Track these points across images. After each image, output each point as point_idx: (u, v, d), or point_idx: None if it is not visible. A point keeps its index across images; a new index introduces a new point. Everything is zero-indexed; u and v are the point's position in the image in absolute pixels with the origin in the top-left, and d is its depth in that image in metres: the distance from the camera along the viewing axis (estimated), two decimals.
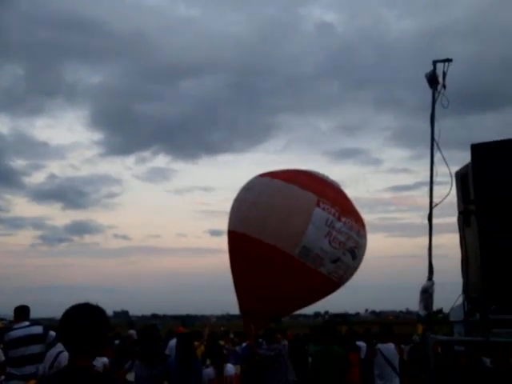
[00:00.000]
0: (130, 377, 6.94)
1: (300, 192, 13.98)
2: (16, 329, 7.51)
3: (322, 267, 13.87)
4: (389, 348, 8.75)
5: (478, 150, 3.71)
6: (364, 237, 14.61)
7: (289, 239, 13.50)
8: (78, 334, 2.51)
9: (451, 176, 4.07)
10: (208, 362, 8.07)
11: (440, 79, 4.03)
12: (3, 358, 7.36)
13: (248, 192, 14.70)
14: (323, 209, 13.69)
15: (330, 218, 13.74)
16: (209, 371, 7.52)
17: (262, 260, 13.58)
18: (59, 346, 6.42)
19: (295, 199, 13.80)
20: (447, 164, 4.03)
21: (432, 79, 4.02)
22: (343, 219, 13.86)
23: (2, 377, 8.55)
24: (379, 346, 8.78)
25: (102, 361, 7.07)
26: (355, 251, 14.15)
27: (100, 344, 2.57)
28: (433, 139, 4.01)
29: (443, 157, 3.99)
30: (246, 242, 13.91)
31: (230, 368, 7.80)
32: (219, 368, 7.47)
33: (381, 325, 9.60)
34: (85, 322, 2.53)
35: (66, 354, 6.42)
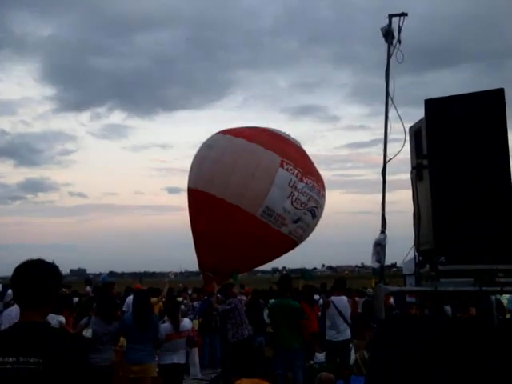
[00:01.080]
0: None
1: (264, 152, 13.96)
2: None
3: (283, 227, 14.06)
4: (341, 300, 9.02)
5: (431, 104, 3.75)
6: (323, 196, 14.83)
7: (252, 200, 13.57)
8: (28, 288, 2.48)
9: (405, 131, 4.11)
10: (165, 317, 8.15)
11: (395, 33, 4.03)
12: None
13: (210, 149, 14.53)
14: (286, 169, 13.78)
15: (292, 179, 13.86)
16: (166, 326, 7.60)
17: (224, 220, 13.61)
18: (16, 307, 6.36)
19: (259, 159, 13.78)
20: (401, 119, 4.07)
21: (387, 33, 4.01)
22: (305, 180, 14.01)
23: None
24: (332, 298, 9.04)
25: (58, 319, 7.04)
26: (315, 211, 14.38)
27: (51, 299, 2.53)
28: (387, 94, 4.03)
29: (397, 112, 4.03)
30: (209, 202, 13.88)
31: (187, 323, 7.90)
32: (176, 323, 7.56)
33: (335, 279, 9.87)
34: (35, 275, 2.49)
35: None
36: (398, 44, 4.03)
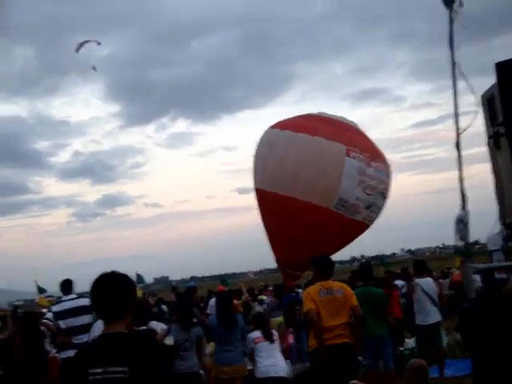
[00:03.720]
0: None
1: (328, 144, 13.78)
2: (65, 301, 7.87)
3: (358, 215, 13.89)
4: (427, 281, 8.72)
5: (503, 67, 3.54)
6: (390, 175, 14.56)
7: (324, 194, 13.46)
8: (104, 301, 2.60)
9: (476, 100, 3.90)
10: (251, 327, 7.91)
11: None
12: (63, 325, 7.65)
13: (271, 147, 14.47)
14: (353, 157, 13.56)
15: (361, 166, 13.64)
16: (255, 333, 7.36)
17: (296, 217, 13.55)
18: None
19: (325, 152, 13.61)
20: (471, 88, 3.84)
21: None
22: (373, 164, 13.76)
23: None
24: (417, 280, 8.74)
25: (161, 327, 7.15)
26: (385, 192, 14.16)
27: (128, 309, 2.63)
28: (453, 64, 3.83)
29: (466, 81, 3.80)
30: (279, 202, 13.84)
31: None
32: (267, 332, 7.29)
33: (414, 261, 9.56)
34: (109, 289, 2.61)
35: None
36: (460, 8, 3.80)
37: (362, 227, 14.09)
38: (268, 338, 7.11)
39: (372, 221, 14.41)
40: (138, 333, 4.57)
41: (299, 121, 14.75)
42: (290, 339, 9.33)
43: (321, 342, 5.86)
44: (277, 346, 7.19)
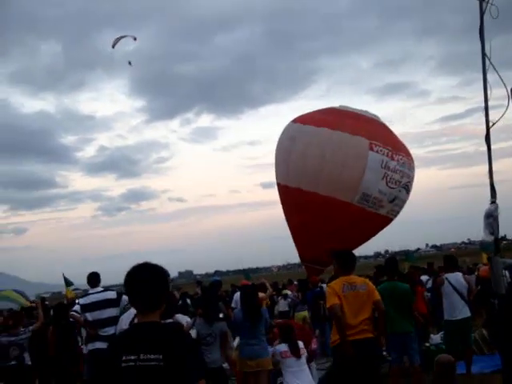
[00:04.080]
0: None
1: (351, 139, 13.67)
2: (92, 293, 7.98)
3: (381, 209, 13.81)
4: (456, 277, 8.58)
5: None
6: (414, 168, 14.41)
7: (346, 189, 13.38)
8: (141, 291, 2.63)
9: (508, 92, 3.82)
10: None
11: None
12: (90, 318, 7.76)
13: (293, 142, 14.37)
14: (377, 151, 13.46)
15: (384, 160, 13.54)
16: (282, 346, 7.24)
17: (319, 212, 13.50)
18: (133, 310, 6.68)
19: (347, 147, 13.50)
20: (502, 80, 3.77)
21: None
22: (396, 157, 13.65)
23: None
24: (446, 275, 8.61)
25: (186, 320, 7.20)
26: (408, 186, 14.03)
27: (162, 300, 2.69)
28: (484, 54, 3.75)
29: (497, 72, 3.72)
30: (302, 197, 13.80)
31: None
32: (294, 346, 7.18)
33: (444, 256, 9.42)
34: (146, 279, 2.65)
35: None
36: None
37: (385, 221, 14.00)
38: (295, 353, 7.06)
39: (396, 214, 14.30)
40: (169, 324, 4.63)
41: (321, 115, 14.63)
42: (314, 344, 9.24)
43: (343, 338, 5.85)
44: (304, 361, 7.15)
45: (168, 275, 2.77)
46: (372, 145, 13.23)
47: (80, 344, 9.44)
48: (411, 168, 13.99)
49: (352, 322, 5.90)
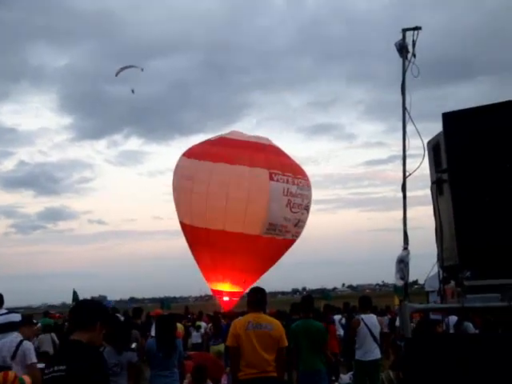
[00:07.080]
0: None
1: (250, 172, 13.84)
2: None
3: (287, 234, 14.21)
4: (371, 319, 8.82)
5: (449, 118, 3.71)
6: (311, 187, 14.87)
7: (254, 222, 13.58)
8: (71, 316, 3.58)
9: (424, 145, 4.07)
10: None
11: (410, 48, 4.01)
12: None
13: (192, 181, 14.21)
14: (277, 180, 13.81)
15: (285, 187, 13.92)
16: None
17: (230, 249, 13.55)
18: (17, 335, 6.51)
19: (249, 181, 13.68)
20: (419, 133, 4.03)
21: (401, 47, 3.99)
22: (296, 181, 14.12)
23: None
24: (362, 316, 8.83)
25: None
26: (309, 206, 14.53)
27: (86, 324, 3.24)
28: (404, 109, 4.00)
29: (415, 126, 3.99)
30: (210, 236, 13.76)
31: None
32: None
33: (360, 297, 9.68)
34: (74, 308, 3.62)
35: (27, 343, 6.49)
36: (413, 58, 4.00)
37: (290, 243, 14.48)
38: None
39: (299, 235, 14.73)
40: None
41: (215, 148, 14.61)
42: (224, 380, 9.16)
43: (235, 378, 5.99)
44: None
45: (89, 305, 3.44)
46: (272, 174, 13.51)
47: None
48: (309, 188, 14.43)
49: (253, 360, 5.86)
